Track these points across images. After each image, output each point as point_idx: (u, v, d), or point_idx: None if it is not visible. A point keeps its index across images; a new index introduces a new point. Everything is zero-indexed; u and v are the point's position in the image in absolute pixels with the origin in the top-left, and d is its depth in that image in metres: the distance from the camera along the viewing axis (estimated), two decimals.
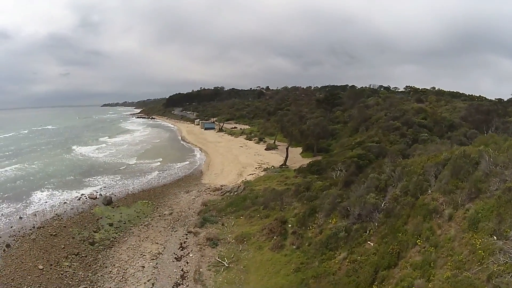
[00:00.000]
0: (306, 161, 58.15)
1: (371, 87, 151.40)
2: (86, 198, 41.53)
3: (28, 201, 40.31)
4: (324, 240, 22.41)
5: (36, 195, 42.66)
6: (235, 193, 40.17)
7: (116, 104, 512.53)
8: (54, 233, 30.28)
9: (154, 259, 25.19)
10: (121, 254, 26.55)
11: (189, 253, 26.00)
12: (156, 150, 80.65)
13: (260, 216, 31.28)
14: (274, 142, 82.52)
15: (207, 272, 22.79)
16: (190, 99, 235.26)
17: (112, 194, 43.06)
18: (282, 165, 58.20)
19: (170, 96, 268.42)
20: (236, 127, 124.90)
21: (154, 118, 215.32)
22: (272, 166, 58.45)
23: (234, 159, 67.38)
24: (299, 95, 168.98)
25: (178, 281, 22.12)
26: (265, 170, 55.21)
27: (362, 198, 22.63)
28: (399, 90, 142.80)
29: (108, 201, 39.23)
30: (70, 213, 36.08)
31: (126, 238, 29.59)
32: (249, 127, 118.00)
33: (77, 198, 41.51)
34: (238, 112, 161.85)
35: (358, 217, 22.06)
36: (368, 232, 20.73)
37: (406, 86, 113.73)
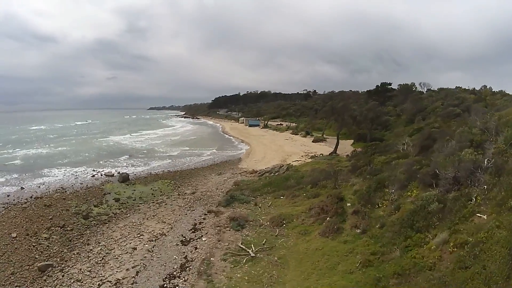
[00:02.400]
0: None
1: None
2: (101, 175, 35.98)
3: (39, 175, 35.97)
4: (406, 218, 14.37)
5: (51, 171, 38.27)
6: (276, 173, 32.08)
7: (163, 108, 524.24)
8: (48, 204, 24.93)
9: (152, 241, 17.72)
10: (114, 231, 19.55)
11: (202, 236, 18.23)
12: (194, 141, 74.98)
13: (307, 196, 23.28)
14: (323, 135, 75.10)
15: (219, 263, 14.77)
16: (235, 101, 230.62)
17: (132, 173, 37.04)
18: (332, 153, 50.50)
19: (216, 98, 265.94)
20: (282, 124, 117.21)
21: (198, 118, 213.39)
22: (321, 154, 50.77)
23: (278, 148, 59.66)
24: (348, 95, 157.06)
25: (175, 273, 14.26)
26: (312, 157, 47.27)
27: (455, 157, 15.19)
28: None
29: (124, 178, 33.02)
30: (77, 187, 30.65)
31: (128, 215, 22.67)
32: (295, 124, 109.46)
33: (92, 175, 36.13)
34: (284, 110, 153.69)
35: (454, 182, 14.66)
36: (474, 199, 13.06)
37: (456, 86, 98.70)
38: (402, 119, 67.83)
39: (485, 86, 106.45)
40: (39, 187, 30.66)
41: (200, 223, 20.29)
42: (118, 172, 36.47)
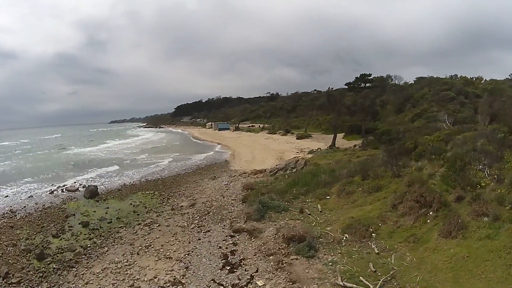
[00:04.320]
0: (354, 143, 45.87)
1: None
2: (62, 191, 27.04)
3: None
4: None
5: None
6: (293, 170, 25.03)
7: (124, 121, 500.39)
8: None
9: None
10: (88, 282, 11.38)
11: (252, 277, 10.50)
12: (165, 148, 65.93)
13: (364, 190, 16.93)
14: (305, 131, 70.56)
15: None
16: (198, 108, 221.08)
17: (101, 184, 28.55)
18: (331, 146, 44.89)
19: (178, 106, 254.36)
20: (254, 126, 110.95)
21: (162, 127, 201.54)
22: (318, 148, 44.75)
23: (264, 147, 52.98)
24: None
25: None
26: (311, 152, 41.21)
27: None
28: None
29: (92, 193, 24.44)
30: (30, 209, 21.65)
31: (106, 249, 14.41)
32: (271, 124, 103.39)
33: (50, 191, 27.03)
34: (253, 113, 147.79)
35: None
36: None
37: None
38: (388, 109, 65.38)
39: (455, 75, 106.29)
40: None
41: (232, 252, 12.53)
42: (84, 186, 27.69)
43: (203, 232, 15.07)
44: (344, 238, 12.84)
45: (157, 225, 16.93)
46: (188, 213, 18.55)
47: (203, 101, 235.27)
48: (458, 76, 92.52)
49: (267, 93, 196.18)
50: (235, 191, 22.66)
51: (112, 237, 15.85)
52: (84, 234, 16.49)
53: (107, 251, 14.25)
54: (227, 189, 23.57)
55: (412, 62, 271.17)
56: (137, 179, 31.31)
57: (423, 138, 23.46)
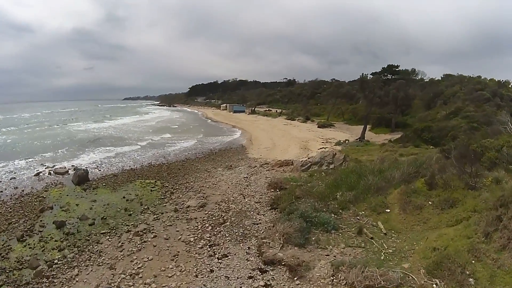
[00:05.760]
0: (383, 137, 41.96)
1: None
2: (50, 173, 22.92)
3: None
4: None
5: None
6: (331, 166, 19.94)
7: (138, 98, 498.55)
8: None
9: None
10: None
11: None
12: (177, 128, 61.97)
13: (435, 204, 12.02)
14: (328, 120, 65.17)
15: None
16: (213, 89, 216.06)
17: (96, 167, 24.32)
18: (360, 138, 40.02)
19: (193, 86, 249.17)
20: (271, 110, 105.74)
21: (175, 106, 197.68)
22: (346, 140, 40.12)
23: (285, 134, 48.09)
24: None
25: None
26: (338, 144, 36.77)
27: None
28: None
29: (81, 178, 20.15)
30: (6, 196, 17.66)
31: (76, 271, 9.81)
32: (290, 110, 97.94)
33: (37, 172, 23.07)
34: (270, 97, 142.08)
35: None
36: None
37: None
38: (416, 104, 60.50)
39: (479, 77, 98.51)
40: None
41: None
42: (75, 168, 23.31)
43: (217, 258, 10.19)
44: (435, 286, 8.12)
45: (152, 235, 12.20)
46: (196, 218, 13.80)
47: (219, 82, 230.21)
48: (482, 77, 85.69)
49: (284, 78, 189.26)
50: (258, 188, 17.81)
51: (88, 249, 11.26)
52: (55, 241, 12.04)
53: (77, 275, 9.67)
54: (247, 185, 18.75)
55: (429, 60, 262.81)
56: (139, 162, 26.95)
57: (486, 141, 18.38)
